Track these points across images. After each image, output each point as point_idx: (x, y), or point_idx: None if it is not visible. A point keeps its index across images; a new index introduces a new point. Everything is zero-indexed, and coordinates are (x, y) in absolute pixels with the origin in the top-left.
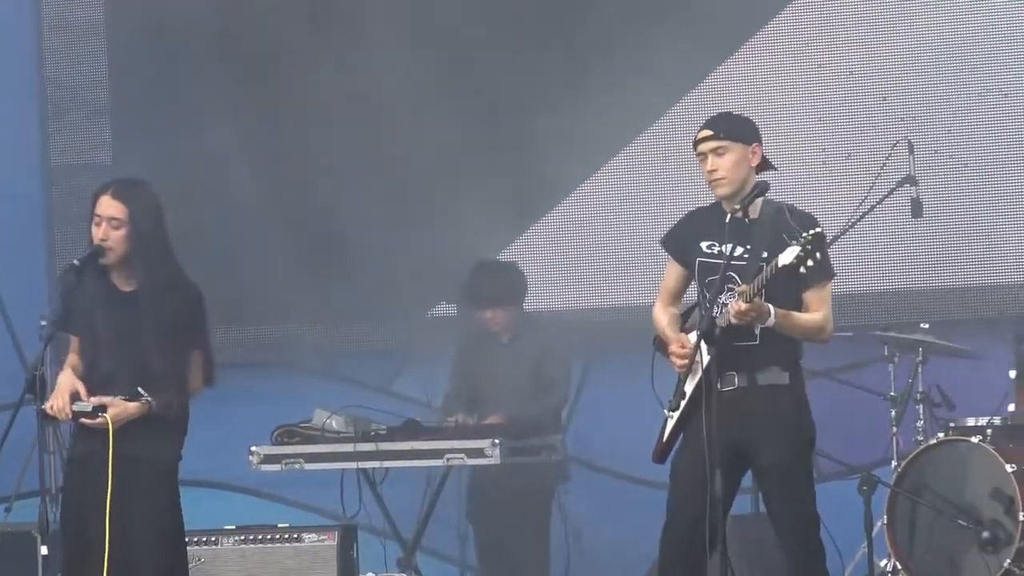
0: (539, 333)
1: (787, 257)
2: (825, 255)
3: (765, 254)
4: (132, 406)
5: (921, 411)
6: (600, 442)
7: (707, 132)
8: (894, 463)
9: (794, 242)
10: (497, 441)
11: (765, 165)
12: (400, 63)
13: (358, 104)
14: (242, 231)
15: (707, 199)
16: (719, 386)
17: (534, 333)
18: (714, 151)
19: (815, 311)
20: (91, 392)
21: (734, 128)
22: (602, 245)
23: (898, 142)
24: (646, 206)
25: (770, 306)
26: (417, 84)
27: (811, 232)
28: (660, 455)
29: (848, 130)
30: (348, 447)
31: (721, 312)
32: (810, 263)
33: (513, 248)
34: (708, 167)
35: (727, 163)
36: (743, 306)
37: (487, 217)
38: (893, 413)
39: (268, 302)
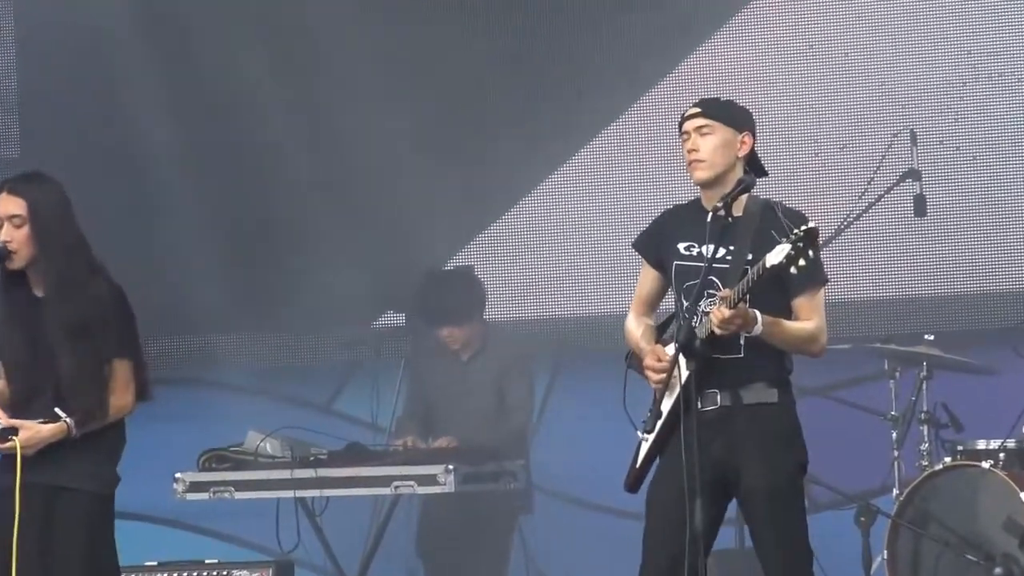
0: (501, 348)
1: (776, 256)
2: (818, 255)
3: (750, 255)
4: (46, 429)
5: (926, 433)
6: (567, 468)
7: (695, 109)
8: (895, 491)
9: (784, 239)
10: (451, 467)
11: (755, 164)
12: (343, 60)
13: (294, 99)
14: (165, 233)
15: (685, 197)
16: (699, 405)
17: (495, 348)
18: (698, 130)
19: (807, 320)
20: (13, 412)
21: (724, 109)
22: (568, 247)
23: (899, 132)
24: (616, 204)
25: (756, 313)
26: (361, 80)
27: (803, 228)
28: (633, 483)
29: (842, 118)
30: (284, 473)
31: (701, 321)
32: (802, 263)
33: (468, 252)
34: (688, 146)
35: (709, 144)
36: (726, 313)
37: (439, 217)
38: (894, 435)
39: (194, 310)
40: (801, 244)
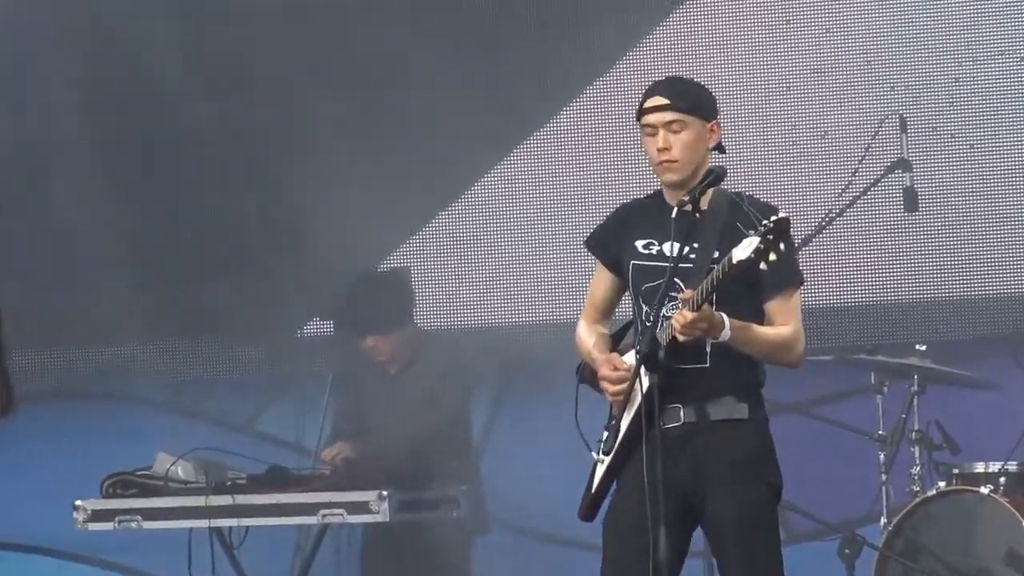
0: (435, 359)
1: (743, 251)
2: (792, 250)
3: (716, 253)
4: None
5: (917, 454)
6: (514, 494)
7: (661, 100)
8: (883, 520)
9: (752, 232)
10: (385, 493)
11: (716, 147)
12: (266, 52)
13: (214, 91)
14: (63, 234)
15: (646, 189)
16: (660, 422)
17: (428, 359)
18: (667, 126)
19: (781, 324)
20: None
21: (694, 100)
22: (514, 247)
23: (887, 117)
24: (568, 198)
25: (723, 316)
26: (285, 71)
27: (772, 219)
28: (588, 510)
29: (822, 102)
30: (198, 500)
31: (663, 326)
32: (772, 257)
33: (401, 253)
34: (659, 144)
35: (683, 142)
36: (688, 316)
37: (371, 216)
38: (882, 457)
39: (98, 317)
40: (771, 236)
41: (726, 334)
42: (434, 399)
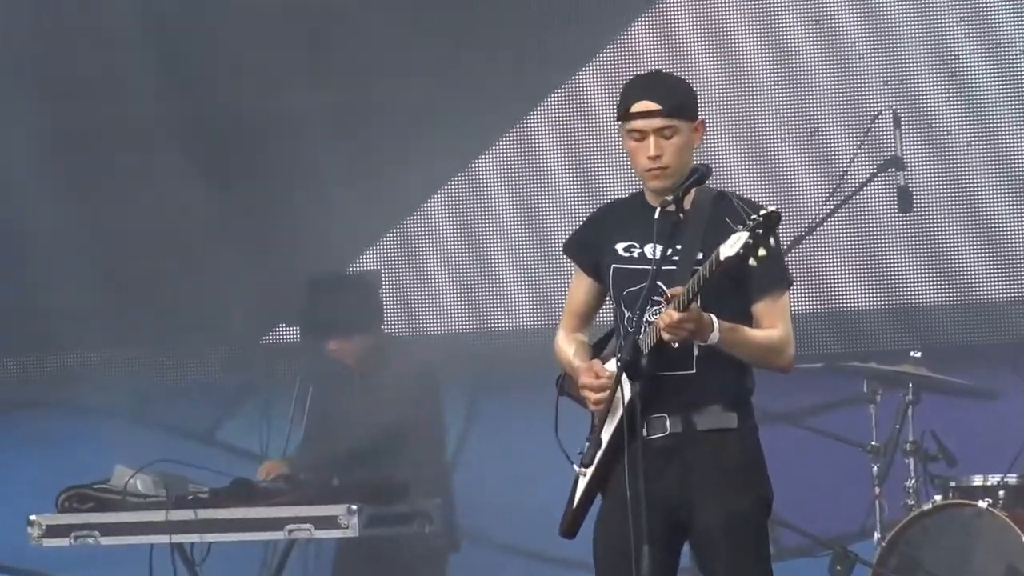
0: (403, 366)
1: (731, 247)
2: (780, 248)
3: (700, 254)
4: None
5: (912, 466)
6: (491, 508)
7: (652, 105)
8: (877, 535)
9: (739, 227)
10: (355, 507)
11: None
12: (228, 46)
13: (172, 85)
14: (15, 235)
15: (628, 189)
16: (644, 432)
17: (397, 367)
18: (658, 132)
19: (769, 327)
20: None
21: (682, 101)
22: (488, 251)
23: (880, 113)
24: (545, 200)
25: (712, 317)
26: (248, 66)
27: (762, 212)
28: (569, 526)
29: (814, 98)
30: (158, 515)
31: (645, 331)
32: (761, 252)
33: (372, 255)
34: (650, 152)
35: (674, 148)
36: (675, 315)
37: (337, 217)
38: (875, 469)
39: (54, 322)
40: (760, 231)
41: (715, 336)
42: (403, 406)
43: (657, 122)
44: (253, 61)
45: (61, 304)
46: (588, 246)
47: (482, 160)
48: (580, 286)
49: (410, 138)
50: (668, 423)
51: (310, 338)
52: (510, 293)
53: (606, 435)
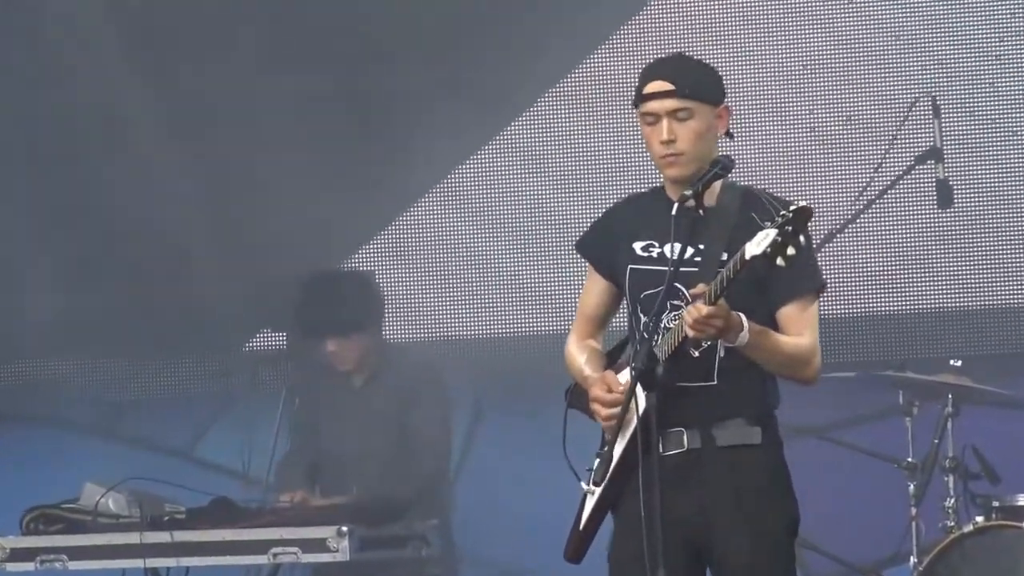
0: (405, 373)
1: (758, 245)
2: (811, 246)
3: (724, 255)
4: None
5: (951, 484)
6: (494, 529)
7: (665, 85)
8: (913, 559)
9: (768, 224)
10: (345, 529)
11: (724, 133)
12: (210, 45)
13: (153, 84)
14: None
15: (645, 182)
16: (660, 449)
17: (398, 373)
18: (672, 114)
19: (796, 335)
20: None
21: (701, 83)
22: (492, 251)
23: (917, 100)
24: (553, 196)
25: (742, 316)
26: (231, 59)
27: (792, 208)
28: (575, 550)
29: (847, 85)
30: (132, 537)
31: (663, 337)
32: (790, 251)
33: (363, 257)
34: (663, 136)
35: (691, 132)
36: (704, 310)
37: (326, 216)
38: (912, 487)
39: (21, 329)
40: (790, 228)
41: (744, 337)
42: (405, 417)
43: (670, 103)
44: (238, 56)
45: (29, 313)
46: (603, 244)
47: (482, 160)
48: (594, 288)
49: (401, 134)
50: (686, 438)
51: (304, 339)
52: (518, 297)
53: (618, 450)
